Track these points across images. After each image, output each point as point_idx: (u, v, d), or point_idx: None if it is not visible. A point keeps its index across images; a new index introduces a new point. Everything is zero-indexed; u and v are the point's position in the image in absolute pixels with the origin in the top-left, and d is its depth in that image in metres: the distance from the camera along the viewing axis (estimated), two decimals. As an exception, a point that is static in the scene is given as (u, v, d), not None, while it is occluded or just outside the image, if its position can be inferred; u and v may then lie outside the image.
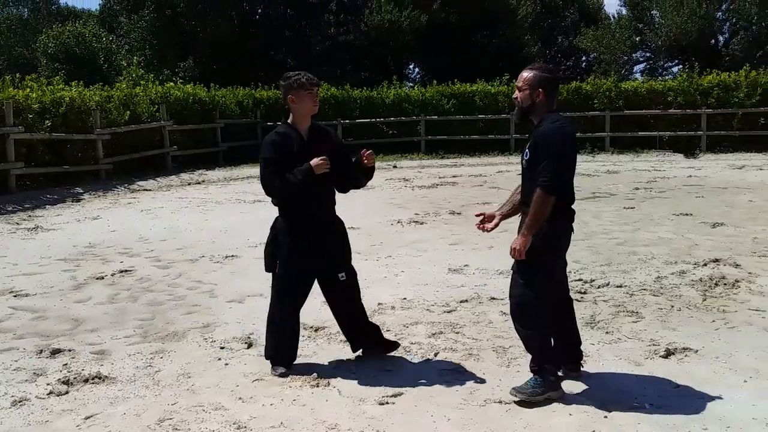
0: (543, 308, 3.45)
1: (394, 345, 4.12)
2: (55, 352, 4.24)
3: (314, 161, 3.73)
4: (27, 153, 12.70)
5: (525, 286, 3.45)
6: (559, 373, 3.53)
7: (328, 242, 3.88)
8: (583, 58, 43.38)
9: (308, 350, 4.20)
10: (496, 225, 3.82)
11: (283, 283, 3.84)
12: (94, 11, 47.52)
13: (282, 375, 3.79)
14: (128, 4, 32.53)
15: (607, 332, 4.40)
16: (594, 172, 14.61)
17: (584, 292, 5.31)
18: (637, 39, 35.80)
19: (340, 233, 3.99)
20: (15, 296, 5.61)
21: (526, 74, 3.64)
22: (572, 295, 5.15)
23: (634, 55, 37.63)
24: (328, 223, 3.94)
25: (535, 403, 3.33)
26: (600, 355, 4.02)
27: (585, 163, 17.00)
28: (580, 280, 5.67)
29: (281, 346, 3.87)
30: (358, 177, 4.02)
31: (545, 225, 3.42)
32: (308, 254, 3.80)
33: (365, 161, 3.93)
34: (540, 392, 3.38)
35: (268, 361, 3.90)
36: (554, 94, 3.62)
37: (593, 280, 5.65)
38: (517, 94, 3.64)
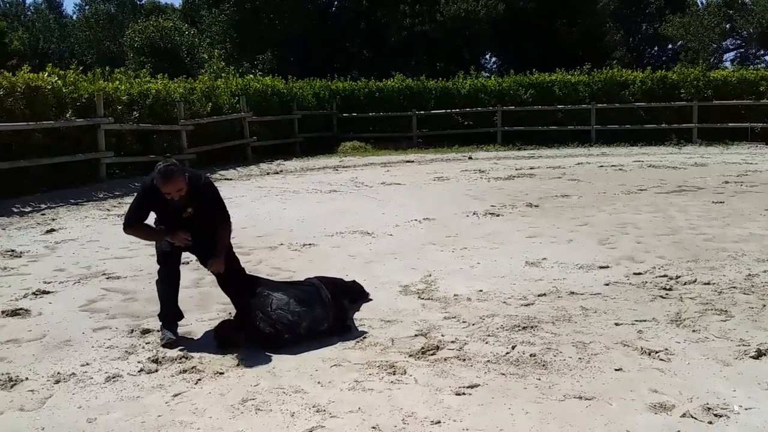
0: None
1: None
2: (145, 332, 4.44)
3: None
4: (116, 143, 13.30)
5: None
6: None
7: None
8: (669, 46, 41.77)
9: (383, 339, 4.23)
10: None
11: None
12: (176, 6, 49.24)
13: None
14: (210, -1, 33.48)
15: (693, 330, 4.24)
16: (680, 165, 14.05)
17: (669, 289, 5.13)
18: (727, 26, 34.21)
19: None
20: (107, 278, 5.91)
21: None
22: (656, 291, 5.06)
23: (723, 42, 35.98)
24: None
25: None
26: (686, 353, 3.88)
27: (671, 155, 16.40)
28: (665, 276, 5.48)
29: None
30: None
31: None
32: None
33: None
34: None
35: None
36: None
37: (679, 277, 5.45)
38: None
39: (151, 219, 4.52)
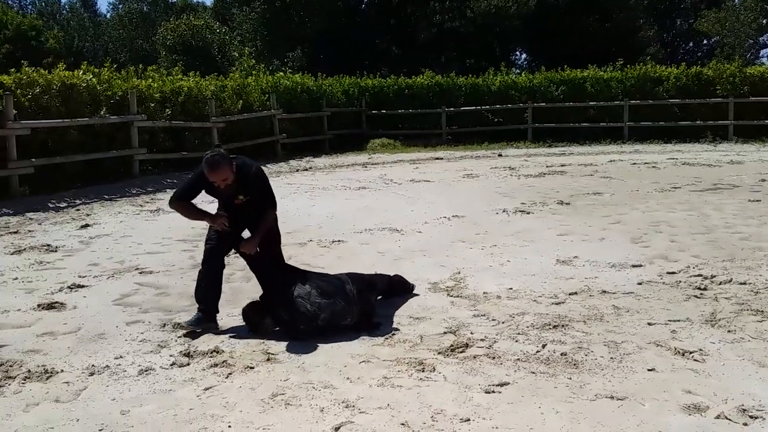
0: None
1: None
2: (177, 326, 4.50)
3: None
4: (149, 140, 13.49)
5: None
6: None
7: None
8: (704, 42, 41.05)
9: (412, 336, 4.22)
10: None
11: None
12: (208, 4, 49.82)
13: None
14: (240, -3, 33.77)
15: (729, 331, 4.15)
16: (716, 163, 13.79)
17: (704, 289, 5.04)
18: (764, 21, 33.41)
19: None
20: (140, 273, 6.00)
21: None
22: (691, 291, 4.97)
23: (760, 38, 35.20)
24: None
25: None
26: (720, 354, 3.80)
27: (706, 153, 16.10)
28: (699, 275, 5.38)
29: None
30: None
31: None
32: None
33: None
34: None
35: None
36: None
37: (714, 276, 5.35)
38: None
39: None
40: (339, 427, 3.06)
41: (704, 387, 3.39)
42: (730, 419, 3.06)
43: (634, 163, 14.01)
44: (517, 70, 30.44)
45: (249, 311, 4.38)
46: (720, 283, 5.18)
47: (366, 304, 4.46)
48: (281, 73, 20.47)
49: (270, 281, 4.46)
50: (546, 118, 20.72)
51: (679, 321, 4.36)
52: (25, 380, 3.66)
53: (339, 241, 7.18)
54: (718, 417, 3.09)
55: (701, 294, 4.92)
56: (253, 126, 16.95)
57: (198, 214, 4.61)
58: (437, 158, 16.80)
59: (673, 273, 5.52)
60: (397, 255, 6.45)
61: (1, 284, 5.68)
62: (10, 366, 3.84)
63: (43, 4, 57.46)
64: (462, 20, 30.36)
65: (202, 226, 8.14)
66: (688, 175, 11.91)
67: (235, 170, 4.36)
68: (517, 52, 36.96)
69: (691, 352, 3.82)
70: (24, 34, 33.10)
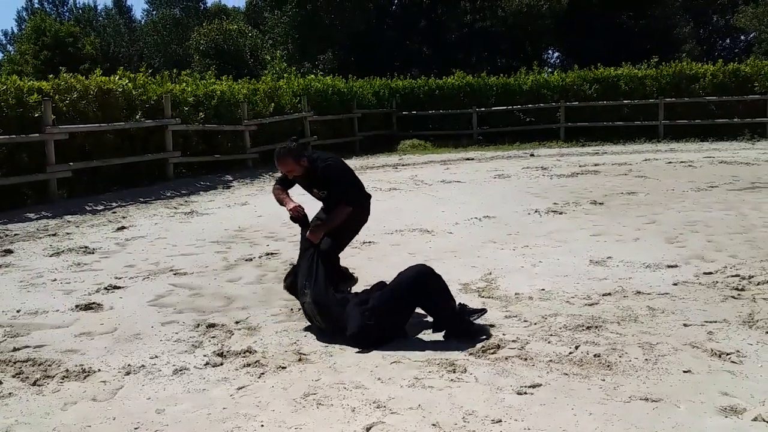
0: None
1: None
2: (211, 327, 4.56)
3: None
4: (183, 143, 13.69)
5: None
6: None
7: None
8: (742, 38, 40.16)
9: (443, 337, 4.21)
10: None
11: None
12: (240, 9, 50.32)
13: None
14: (272, 0, 34.09)
15: (767, 332, 4.06)
16: (754, 161, 13.48)
17: (742, 289, 4.93)
18: (805, 15, 32.56)
19: None
20: (175, 274, 6.09)
21: None
22: (728, 291, 4.87)
23: (800, 32, 34.24)
24: None
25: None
26: (758, 356, 3.72)
27: (743, 151, 15.76)
28: (737, 276, 5.27)
29: None
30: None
31: None
32: None
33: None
34: None
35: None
36: None
37: (752, 276, 5.23)
38: None
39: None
40: (370, 427, 3.07)
41: (741, 389, 3.32)
42: (767, 422, 2.99)
43: (670, 162, 13.77)
44: (550, 69, 30.15)
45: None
46: (758, 284, 5.06)
47: (374, 318, 4.14)
48: (312, 76, 20.61)
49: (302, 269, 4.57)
50: (579, 117, 20.50)
51: (715, 322, 4.28)
52: (63, 379, 3.74)
53: (370, 242, 7.20)
54: (755, 419, 3.02)
55: (739, 295, 4.82)
56: (285, 128, 17.09)
57: (280, 198, 4.79)
58: (468, 159, 16.73)
59: (710, 273, 5.41)
60: (427, 256, 6.44)
61: (40, 285, 5.82)
62: (49, 365, 3.94)
63: (80, 11, 58.72)
64: (493, 20, 30.20)
65: (234, 228, 8.27)
66: (725, 173, 11.67)
67: (307, 164, 4.57)
68: (549, 51, 36.65)
69: (728, 354, 3.74)
70: (62, 41, 33.86)
